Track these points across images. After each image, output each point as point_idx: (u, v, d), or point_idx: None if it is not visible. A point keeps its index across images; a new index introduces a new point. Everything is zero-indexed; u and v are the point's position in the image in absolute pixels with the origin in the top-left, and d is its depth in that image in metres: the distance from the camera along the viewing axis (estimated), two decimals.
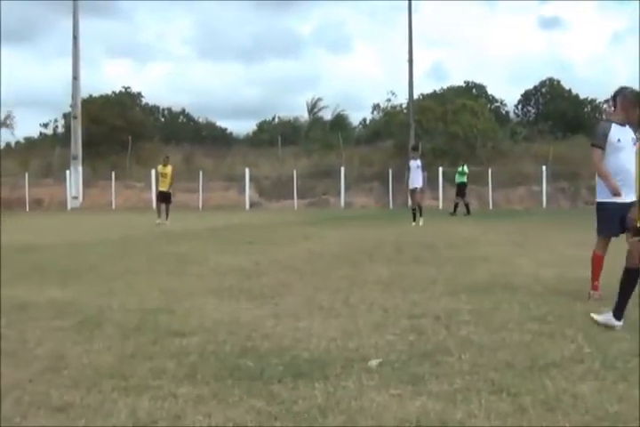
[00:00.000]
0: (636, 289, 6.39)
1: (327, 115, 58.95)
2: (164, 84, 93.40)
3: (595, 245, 8.00)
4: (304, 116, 59.56)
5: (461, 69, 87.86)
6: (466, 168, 30.55)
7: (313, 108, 59.05)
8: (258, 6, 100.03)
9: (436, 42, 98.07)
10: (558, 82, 57.17)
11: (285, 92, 78.72)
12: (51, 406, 4.18)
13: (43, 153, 47.25)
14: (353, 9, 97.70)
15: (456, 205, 29.74)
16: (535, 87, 57.84)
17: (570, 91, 55.93)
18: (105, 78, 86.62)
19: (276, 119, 60.87)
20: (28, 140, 56.36)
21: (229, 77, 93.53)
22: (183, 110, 62.69)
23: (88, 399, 4.29)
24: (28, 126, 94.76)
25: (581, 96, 55.32)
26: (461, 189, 30.20)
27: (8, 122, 55.62)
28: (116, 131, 45.89)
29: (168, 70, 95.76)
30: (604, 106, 50.38)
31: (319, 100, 58.99)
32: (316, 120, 58.07)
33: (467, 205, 29.94)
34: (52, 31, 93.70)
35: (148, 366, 5.05)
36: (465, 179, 30.29)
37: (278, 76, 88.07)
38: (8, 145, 55.24)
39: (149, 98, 57.97)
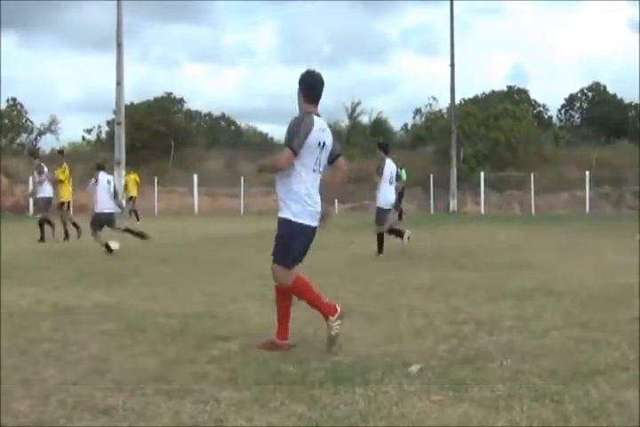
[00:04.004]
0: None
1: (366, 119, 58.75)
2: (239, 88, 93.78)
3: None
4: (344, 120, 59.40)
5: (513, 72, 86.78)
6: (404, 172, 29.28)
7: (353, 112, 58.83)
8: None
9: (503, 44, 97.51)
10: (604, 87, 56.60)
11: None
12: (95, 408, 4.23)
13: (86, 158, 47.79)
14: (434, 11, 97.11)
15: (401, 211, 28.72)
16: (581, 90, 57.31)
17: (615, 95, 55.33)
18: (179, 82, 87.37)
19: None
20: (73, 146, 57.03)
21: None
22: (223, 115, 63.01)
23: (131, 402, 4.33)
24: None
25: (626, 101, 54.66)
26: (400, 193, 28.91)
27: (53, 128, 56.32)
28: (159, 136, 46.30)
29: (246, 74, 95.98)
30: None
31: (358, 103, 58.76)
32: (355, 125, 57.87)
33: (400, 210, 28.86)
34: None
35: (190, 370, 5.09)
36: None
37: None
38: (53, 150, 55.87)
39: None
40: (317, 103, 5.92)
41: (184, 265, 12.13)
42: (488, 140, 41.49)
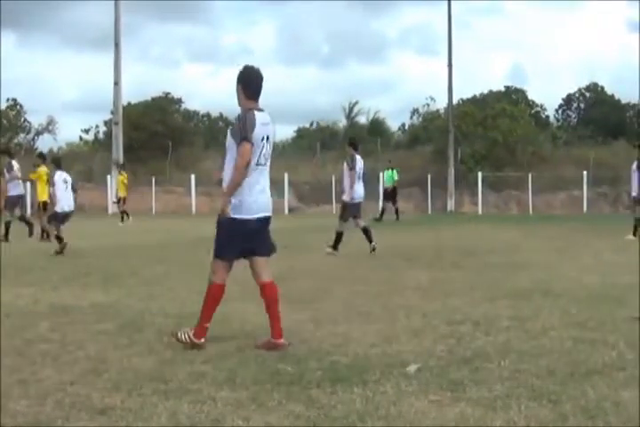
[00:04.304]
0: None
1: (363, 119, 58.84)
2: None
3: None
4: (342, 120, 59.40)
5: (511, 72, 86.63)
6: (395, 173, 29.45)
7: (350, 112, 58.83)
8: None
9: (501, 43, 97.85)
10: (602, 87, 56.66)
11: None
12: (92, 408, 4.23)
13: (84, 158, 47.76)
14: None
15: (397, 211, 28.65)
16: (579, 91, 57.35)
17: (612, 96, 55.38)
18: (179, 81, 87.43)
19: (314, 125, 60.80)
20: (70, 146, 56.98)
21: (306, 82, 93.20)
22: (221, 115, 62.96)
23: (129, 402, 4.33)
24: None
25: (623, 101, 54.69)
26: (391, 194, 29.09)
27: (50, 128, 56.27)
28: (157, 136, 46.22)
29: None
30: None
31: (356, 103, 58.75)
32: (353, 125, 57.85)
33: (396, 211, 28.73)
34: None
35: (187, 369, 5.08)
36: (393, 183, 29.05)
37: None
38: (51, 150, 55.76)
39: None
40: (258, 99, 5.96)
41: (181, 265, 12.11)
42: (486, 140, 41.48)
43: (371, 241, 13.69)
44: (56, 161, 15.08)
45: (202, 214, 36.96)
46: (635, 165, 17.37)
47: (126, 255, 13.82)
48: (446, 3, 41.55)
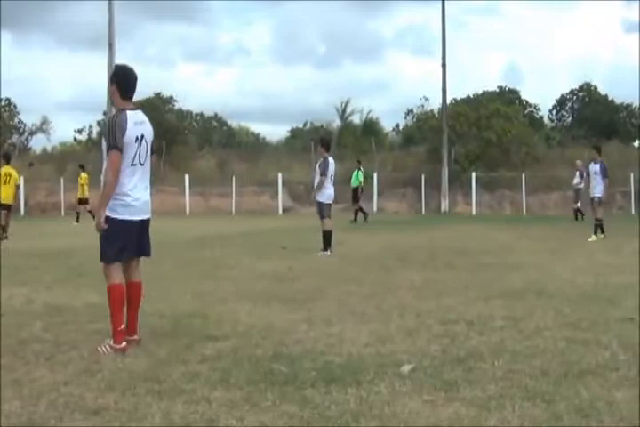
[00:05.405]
0: None
1: (357, 119, 58.82)
2: (233, 87, 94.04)
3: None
4: (335, 121, 59.34)
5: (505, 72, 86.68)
6: (360, 174, 29.15)
7: (343, 112, 58.76)
8: None
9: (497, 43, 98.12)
10: (595, 88, 56.79)
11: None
12: (86, 408, 4.22)
13: (78, 158, 47.63)
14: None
15: (356, 212, 28.29)
16: (572, 91, 57.46)
17: (606, 96, 55.50)
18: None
19: (308, 125, 60.70)
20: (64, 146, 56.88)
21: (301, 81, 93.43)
22: (216, 115, 62.85)
23: (122, 403, 4.32)
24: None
25: (617, 101, 54.84)
26: (354, 194, 28.86)
27: (44, 127, 56.13)
28: None
29: (240, 74, 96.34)
30: None
31: (347, 102, 58.68)
32: (347, 125, 57.79)
33: (361, 210, 28.40)
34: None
35: (181, 370, 5.08)
36: (358, 183, 28.87)
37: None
38: (45, 150, 55.69)
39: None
40: (132, 98, 5.96)
41: (175, 265, 12.11)
42: (480, 141, 41.49)
43: (325, 247, 13.77)
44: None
45: (196, 214, 36.95)
46: (597, 167, 17.63)
47: None
48: (440, 3, 41.58)
